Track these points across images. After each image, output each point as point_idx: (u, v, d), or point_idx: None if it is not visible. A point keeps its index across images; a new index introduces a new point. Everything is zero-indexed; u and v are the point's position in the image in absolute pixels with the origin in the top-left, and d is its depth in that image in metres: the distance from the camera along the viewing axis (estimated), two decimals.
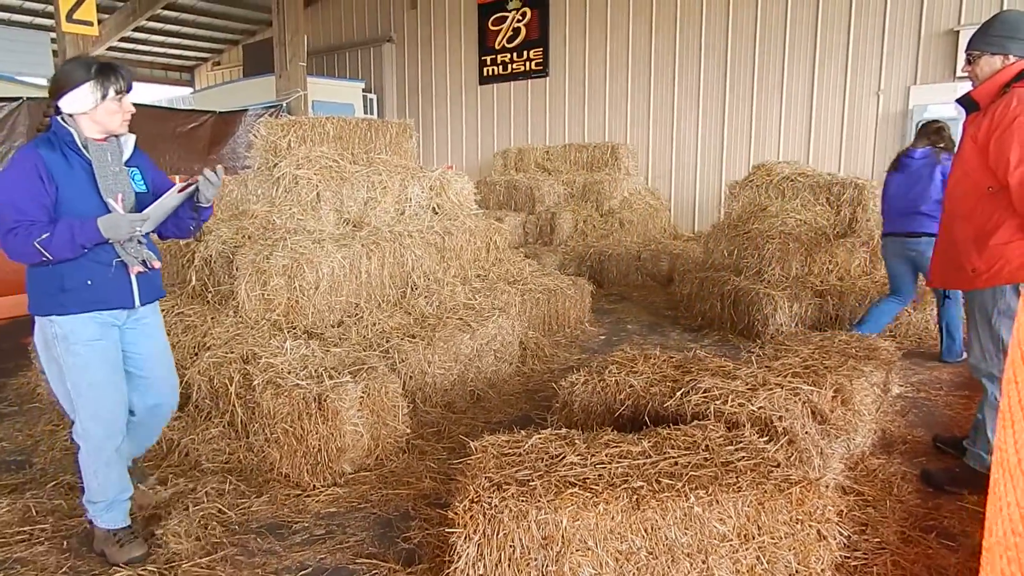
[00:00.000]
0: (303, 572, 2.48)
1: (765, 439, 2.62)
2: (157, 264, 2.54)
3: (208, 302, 4.24)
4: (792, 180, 6.12)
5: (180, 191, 2.46)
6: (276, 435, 3.19)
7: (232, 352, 3.57)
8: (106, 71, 2.37)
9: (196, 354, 3.70)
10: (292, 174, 4.64)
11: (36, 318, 2.46)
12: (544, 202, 8.81)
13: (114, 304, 2.49)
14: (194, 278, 4.30)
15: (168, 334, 3.97)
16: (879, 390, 3.57)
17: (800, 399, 3.03)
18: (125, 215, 2.39)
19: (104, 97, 2.37)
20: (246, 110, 9.29)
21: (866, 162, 8.19)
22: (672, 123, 9.71)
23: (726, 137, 9.25)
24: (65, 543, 2.69)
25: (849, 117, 8.29)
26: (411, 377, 3.90)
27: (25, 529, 2.76)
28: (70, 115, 2.37)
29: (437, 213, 5.42)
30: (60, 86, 2.35)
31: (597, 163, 9.52)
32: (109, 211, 2.40)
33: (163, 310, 4.26)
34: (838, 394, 3.22)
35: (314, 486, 3.08)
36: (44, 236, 2.24)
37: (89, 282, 2.40)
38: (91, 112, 2.37)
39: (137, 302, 2.55)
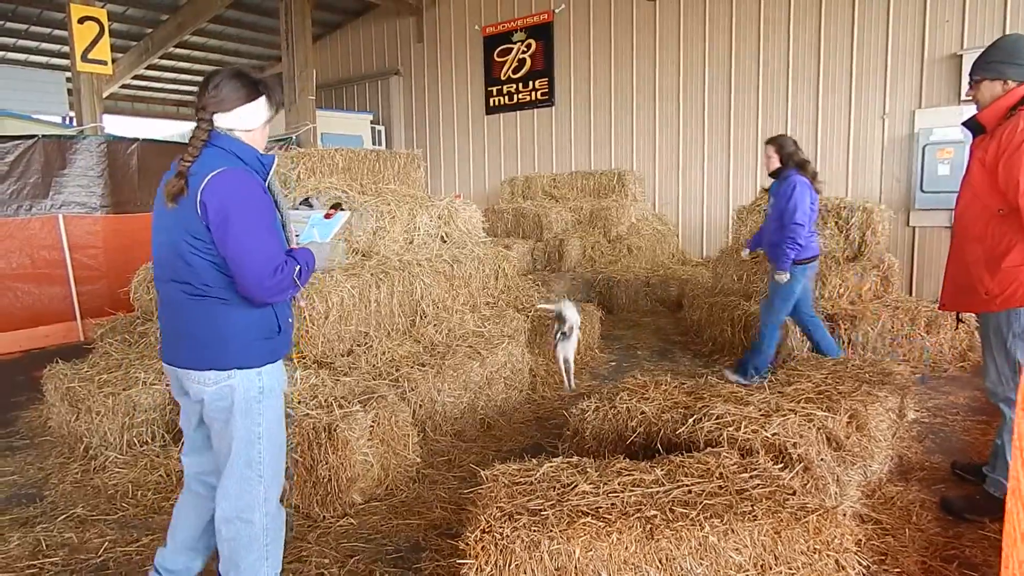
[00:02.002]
0: None
1: (780, 466, 2.59)
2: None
3: None
4: None
5: (327, 217, 2.41)
6: (286, 465, 3.17)
7: None
8: (273, 85, 2.20)
9: None
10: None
11: (234, 375, 2.10)
12: (552, 229, 8.84)
13: (291, 343, 2.30)
14: None
15: None
16: (895, 415, 3.52)
17: (814, 425, 2.99)
18: (325, 243, 2.30)
19: (275, 114, 2.22)
20: None
21: (873, 186, 8.19)
22: (678, 149, 9.77)
23: (732, 162, 9.29)
24: None
25: (855, 141, 8.31)
26: (421, 406, 3.89)
27: (35, 563, 2.75)
28: (229, 131, 2.12)
29: (445, 241, 5.45)
30: (236, 97, 2.10)
31: (604, 190, 9.56)
32: (288, 239, 2.27)
33: None
34: (853, 420, 3.18)
35: (324, 517, 3.06)
36: (297, 269, 2.09)
37: (291, 320, 2.25)
38: (259, 129, 2.18)
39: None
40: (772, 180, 4.88)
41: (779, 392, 3.36)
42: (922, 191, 7.71)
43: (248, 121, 2.13)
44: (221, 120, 2.10)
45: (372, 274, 4.46)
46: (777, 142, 4.80)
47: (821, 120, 8.53)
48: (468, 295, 5.27)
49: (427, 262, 4.97)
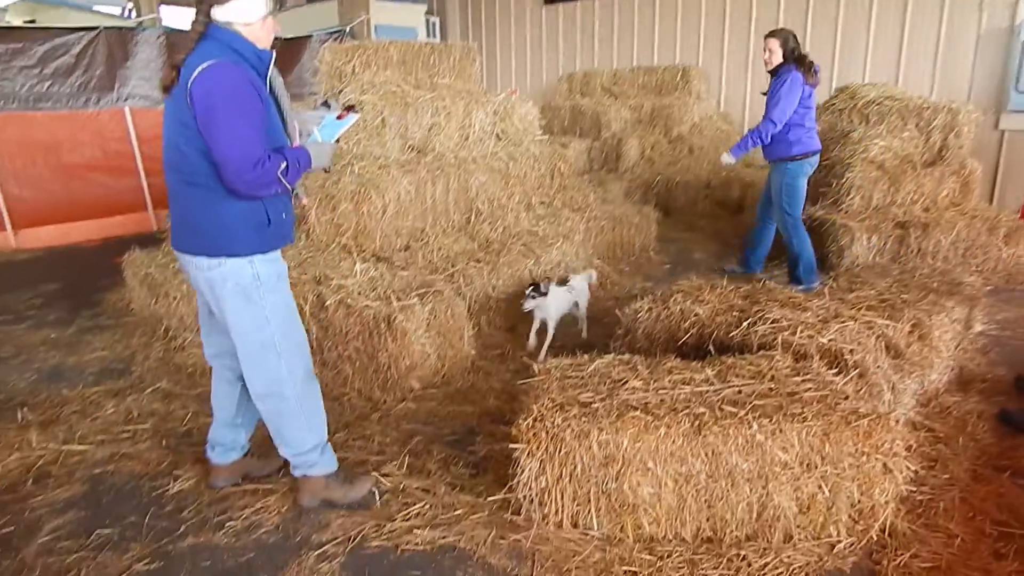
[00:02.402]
0: (381, 470, 2.64)
1: (834, 372, 2.58)
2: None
3: None
4: (878, 104, 5.72)
5: (339, 118, 2.39)
6: (348, 352, 3.35)
7: (305, 274, 3.71)
8: None
9: None
10: (357, 100, 4.65)
11: (224, 262, 2.17)
12: (610, 127, 8.56)
13: (291, 237, 2.37)
14: None
15: None
16: (960, 326, 3.42)
17: (874, 333, 2.94)
18: (328, 143, 2.30)
19: (275, 9, 2.20)
20: (310, 36, 9.26)
21: (962, 84, 7.54)
22: (748, 43, 9.13)
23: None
24: (164, 442, 2.95)
25: (946, 34, 7.58)
26: (476, 301, 3.98)
27: (128, 428, 3.05)
28: (227, 24, 2.10)
29: (501, 139, 5.36)
30: None
31: (666, 87, 9.11)
32: (290, 139, 2.27)
33: None
34: (915, 329, 3.11)
35: (385, 401, 3.24)
36: (283, 166, 2.09)
37: (284, 215, 2.27)
38: (256, 24, 2.14)
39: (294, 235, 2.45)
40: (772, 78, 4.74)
41: (839, 299, 3.29)
42: (1017, 91, 7.07)
43: (245, 14, 2.10)
44: (219, 13, 2.08)
45: (428, 171, 4.46)
46: (780, 36, 4.62)
47: (909, 9, 7.79)
48: (523, 194, 5.23)
49: (482, 159, 4.93)
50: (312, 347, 3.52)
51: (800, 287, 4.70)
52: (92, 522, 2.41)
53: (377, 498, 2.52)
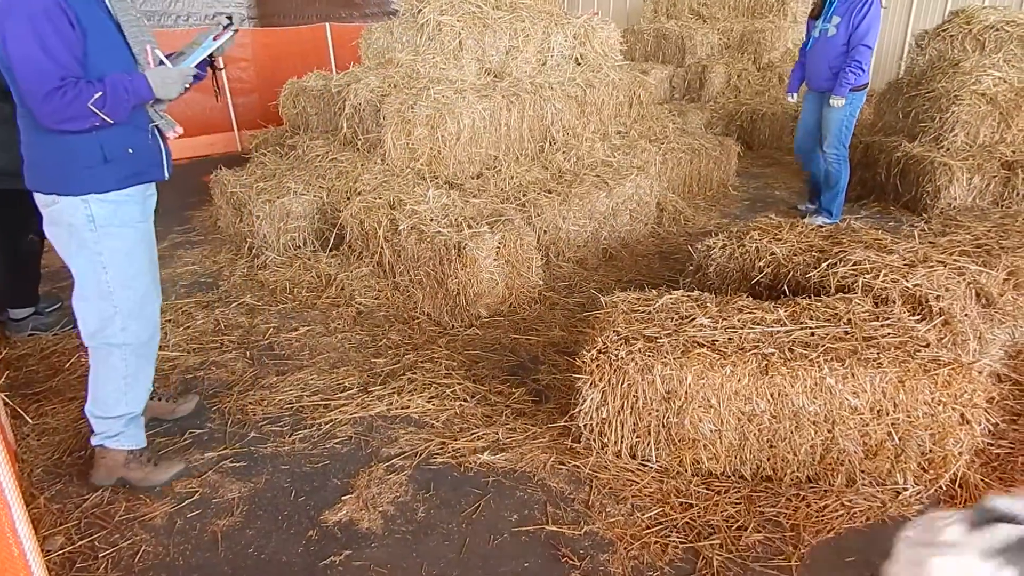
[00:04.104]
0: (447, 392, 2.75)
1: (917, 318, 2.47)
2: (181, 130, 2.13)
3: (358, 149, 4.46)
4: (997, 30, 5.19)
5: (216, 38, 2.14)
6: (419, 277, 3.44)
7: (380, 198, 3.79)
8: None
9: (349, 198, 3.97)
10: (436, 20, 4.58)
11: (57, 200, 1.97)
12: (695, 53, 8.12)
13: (151, 176, 2.13)
14: (345, 125, 4.50)
15: (323, 178, 4.28)
16: None
17: (965, 279, 2.78)
18: (175, 69, 2.04)
19: None
20: None
21: None
22: None
23: None
24: (248, 353, 3.15)
25: None
26: (546, 231, 3.98)
27: (217, 338, 3.26)
28: None
29: (580, 64, 5.20)
30: None
31: (760, 8, 8.51)
32: (139, 65, 2.02)
33: (318, 156, 4.55)
34: (1011, 277, 2.93)
35: (453, 326, 3.34)
36: (97, 96, 1.85)
37: (130, 151, 2.02)
38: None
39: (167, 173, 2.20)
40: None
41: (930, 243, 3.11)
42: None
43: None
44: None
45: (503, 96, 4.39)
46: None
47: None
48: (599, 123, 5.10)
49: (559, 86, 4.80)
50: (385, 271, 3.66)
51: (829, 220, 4.74)
52: (185, 421, 2.63)
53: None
